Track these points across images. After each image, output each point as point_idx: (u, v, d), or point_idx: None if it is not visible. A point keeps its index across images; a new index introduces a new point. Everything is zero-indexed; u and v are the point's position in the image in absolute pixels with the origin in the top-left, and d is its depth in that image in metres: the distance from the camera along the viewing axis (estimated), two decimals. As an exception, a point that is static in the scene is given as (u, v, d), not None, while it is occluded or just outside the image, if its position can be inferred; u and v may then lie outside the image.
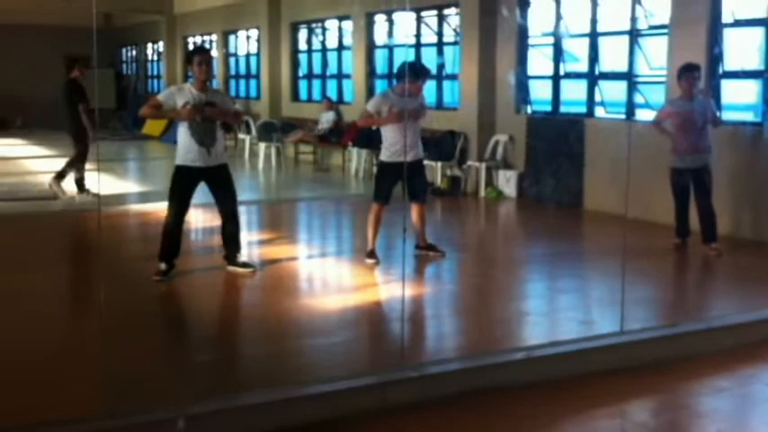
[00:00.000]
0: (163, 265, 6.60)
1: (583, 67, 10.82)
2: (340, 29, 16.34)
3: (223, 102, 6.81)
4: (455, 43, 12.68)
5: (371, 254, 7.28)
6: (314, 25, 17.27)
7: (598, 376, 4.73)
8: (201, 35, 22.32)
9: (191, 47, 23.26)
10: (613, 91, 10.52)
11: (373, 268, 7.12)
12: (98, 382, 4.08)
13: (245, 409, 4.04)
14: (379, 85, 15.03)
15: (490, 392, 4.45)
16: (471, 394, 4.41)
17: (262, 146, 15.03)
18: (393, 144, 7.16)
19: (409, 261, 7.17)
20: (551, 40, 11.28)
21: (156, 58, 26.04)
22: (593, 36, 10.53)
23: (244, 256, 7.08)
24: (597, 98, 10.57)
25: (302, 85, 17.98)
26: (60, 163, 11.08)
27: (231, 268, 6.90)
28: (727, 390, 4.72)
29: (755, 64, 8.86)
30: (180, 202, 6.65)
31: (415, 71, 7.36)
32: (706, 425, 4.28)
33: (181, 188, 6.63)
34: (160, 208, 10.38)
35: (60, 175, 10.92)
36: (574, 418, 4.32)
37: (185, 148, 6.55)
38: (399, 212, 6.86)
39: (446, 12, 12.94)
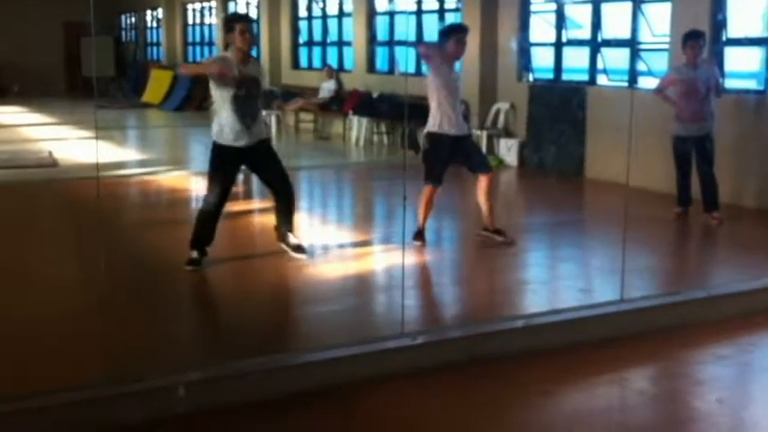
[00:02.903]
0: (195, 254, 6.06)
1: (585, 34, 10.73)
2: (340, -5, 16.19)
3: (259, 74, 6.26)
4: (456, 10, 12.56)
5: (419, 235, 6.78)
6: (314, -9, 17.11)
7: (598, 344, 4.73)
8: (201, 2, 22.11)
9: (190, 13, 23.08)
10: (616, 58, 10.44)
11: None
12: (99, 350, 4.08)
13: (245, 375, 4.05)
14: (380, 53, 14.92)
15: (490, 360, 4.45)
16: (471, 362, 4.41)
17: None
18: (445, 112, 6.64)
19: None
20: (553, 6, 11.17)
21: (155, 24, 25.83)
22: (596, 2, 10.42)
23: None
24: (599, 65, 10.50)
25: (302, 52, 17.84)
26: (60, 131, 11.02)
27: (283, 246, 6.38)
28: (728, 357, 4.72)
29: (759, 31, 8.77)
30: (222, 186, 6.06)
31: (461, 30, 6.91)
32: (706, 392, 4.29)
33: (223, 170, 6.07)
34: (159, 175, 10.40)
35: None
36: (574, 386, 4.33)
37: (227, 125, 5.97)
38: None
39: (447, -23, 12.82)
